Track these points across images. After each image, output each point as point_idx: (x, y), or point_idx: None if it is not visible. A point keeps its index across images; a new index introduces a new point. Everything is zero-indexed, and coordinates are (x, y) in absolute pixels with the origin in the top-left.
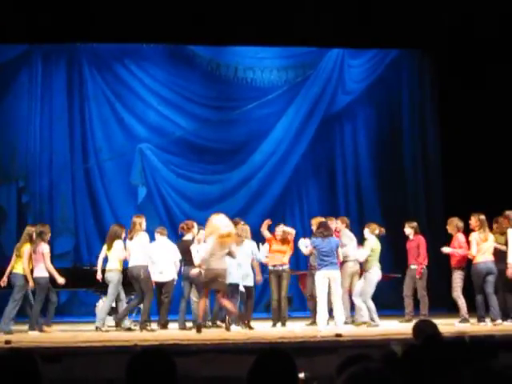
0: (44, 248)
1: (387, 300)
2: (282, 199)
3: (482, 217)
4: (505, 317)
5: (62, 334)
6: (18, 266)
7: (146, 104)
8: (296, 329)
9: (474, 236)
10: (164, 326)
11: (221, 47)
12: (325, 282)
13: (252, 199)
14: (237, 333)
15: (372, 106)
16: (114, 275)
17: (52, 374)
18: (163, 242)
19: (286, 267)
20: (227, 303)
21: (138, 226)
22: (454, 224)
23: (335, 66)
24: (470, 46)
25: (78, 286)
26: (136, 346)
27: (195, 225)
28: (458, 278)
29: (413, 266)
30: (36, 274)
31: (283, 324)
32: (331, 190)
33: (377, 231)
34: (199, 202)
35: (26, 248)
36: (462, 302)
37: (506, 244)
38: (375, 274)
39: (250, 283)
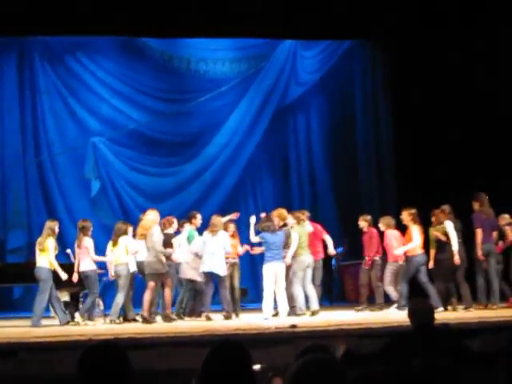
0: (88, 242)
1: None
2: (236, 191)
3: (414, 211)
4: (446, 303)
5: (16, 329)
6: (42, 260)
7: (99, 97)
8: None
9: (415, 228)
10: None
11: (173, 39)
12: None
13: (206, 191)
14: (192, 325)
15: (325, 97)
16: (122, 268)
17: (6, 369)
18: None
19: (237, 259)
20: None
21: None
22: (386, 222)
23: (288, 57)
24: (421, 35)
25: (32, 280)
26: (91, 341)
27: (175, 220)
28: (390, 271)
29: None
30: (83, 268)
31: (237, 315)
32: (285, 180)
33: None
34: (153, 194)
35: (50, 241)
36: (394, 292)
37: (444, 235)
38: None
39: (223, 272)
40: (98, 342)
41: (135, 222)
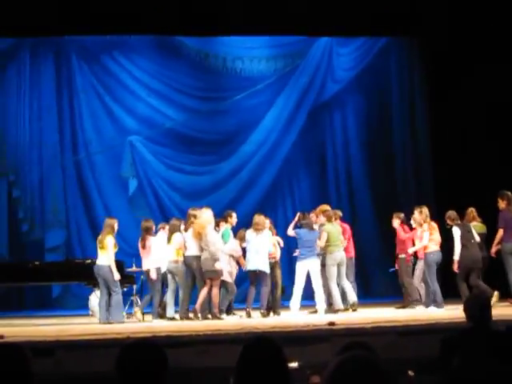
0: (152, 241)
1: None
2: (272, 189)
3: (425, 209)
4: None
5: (54, 327)
6: (102, 258)
7: (135, 96)
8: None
9: (425, 227)
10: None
11: (209, 37)
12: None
13: (243, 190)
14: (230, 322)
15: (361, 94)
16: (178, 266)
17: (44, 368)
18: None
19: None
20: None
21: (193, 218)
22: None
23: (324, 54)
24: (459, 33)
25: (71, 279)
26: (128, 339)
27: None
28: (419, 269)
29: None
30: (146, 266)
31: (278, 313)
32: (322, 178)
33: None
34: (190, 193)
35: (109, 239)
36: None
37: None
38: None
39: (267, 270)
40: (135, 340)
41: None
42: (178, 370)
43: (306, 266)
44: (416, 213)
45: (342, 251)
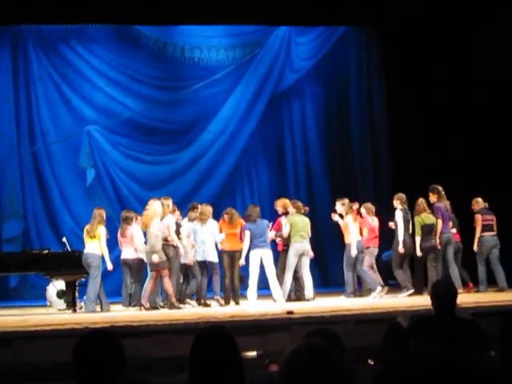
0: (133, 231)
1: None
2: (231, 178)
3: (347, 201)
4: None
5: (12, 318)
6: (92, 247)
7: (93, 85)
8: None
9: (348, 218)
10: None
11: (167, 26)
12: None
13: (202, 179)
14: (188, 312)
15: (320, 84)
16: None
17: (3, 358)
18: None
19: (240, 248)
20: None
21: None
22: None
23: (282, 43)
24: (416, 22)
25: (29, 269)
26: (86, 329)
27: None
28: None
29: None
30: (126, 255)
31: (237, 303)
32: (281, 167)
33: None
34: (149, 182)
35: (101, 229)
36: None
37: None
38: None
39: (214, 259)
40: (92, 330)
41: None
42: (136, 360)
43: (258, 256)
44: (338, 204)
45: (305, 242)
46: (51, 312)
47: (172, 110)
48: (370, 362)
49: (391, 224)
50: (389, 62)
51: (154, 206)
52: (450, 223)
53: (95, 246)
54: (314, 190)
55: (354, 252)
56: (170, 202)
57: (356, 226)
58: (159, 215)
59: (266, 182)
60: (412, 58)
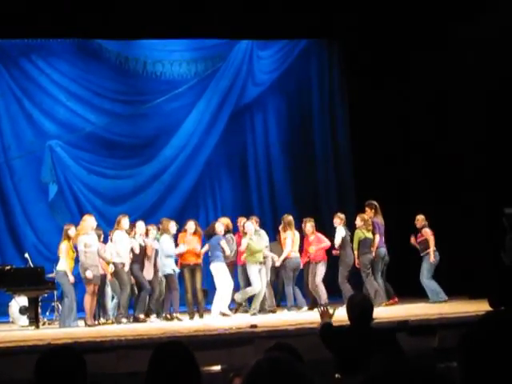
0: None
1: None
2: (194, 193)
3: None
4: None
5: None
6: (60, 264)
7: (55, 100)
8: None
9: (289, 234)
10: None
11: (129, 41)
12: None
13: (164, 193)
14: (152, 327)
15: (283, 97)
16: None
17: None
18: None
19: (200, 261)
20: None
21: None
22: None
23: (244, 57)
24: (378, 34)
25: None
26: (49, 345)
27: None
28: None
29: None
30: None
31: (201, 316)
32: (244, 181)
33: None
34: (111, 197)
35: (64, 245)
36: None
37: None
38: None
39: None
40: (54, 346)
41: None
42: (100, 375)
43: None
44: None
45: (261, 264)
46: (14, 328)
47: (134, 124)
48: (337, 375)
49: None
50: (350, 74)
51: (85, 221)
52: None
53: (61, 263)
54: (277, 203)
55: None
56: (124, 219)
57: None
58: (89, 231)
59: (229, 196)
60: (373, 70)
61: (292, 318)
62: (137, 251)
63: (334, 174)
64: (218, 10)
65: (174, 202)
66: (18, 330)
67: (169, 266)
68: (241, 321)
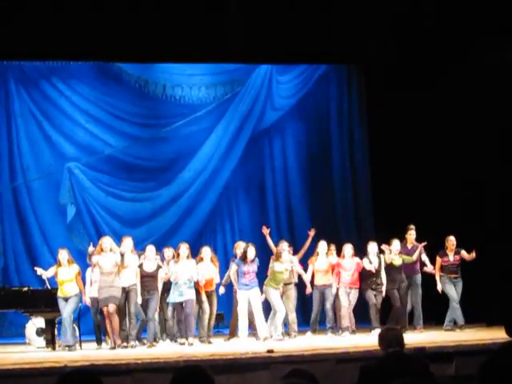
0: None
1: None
2: (212, 216)
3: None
4: None
5: None
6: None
7: (74, 122)
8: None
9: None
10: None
11: (149, 64)
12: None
13: (182, 217)
14: (168, 351)
15: (301, 121)
16: None
17: None
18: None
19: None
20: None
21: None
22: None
23: (264, 82)
24: (397, 58)
25: (8, 307)
26: (66, 367)
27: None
28: None
29: None
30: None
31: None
32: (262, 205)
33: None
34: (129, 220)
35: (51, 269)
36: None
37: None
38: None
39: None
40: (72, 368)
41: None
42: None
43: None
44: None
45: None
46: (30, 350)
47: (153, 147)
48: None
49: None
50: (370, 100)
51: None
52: None
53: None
54: (295, 229)
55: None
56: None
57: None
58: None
59: (247, 220)
60: (393, 96)
61: (308, 344)
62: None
63: (352, 200)
64: (237, 35)
65: (191, 225)
66: (34, 351)
67: None
68: (258, 345)
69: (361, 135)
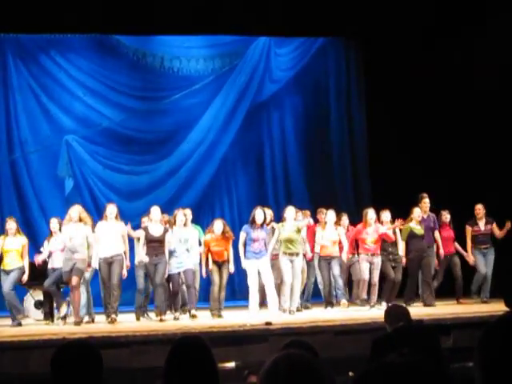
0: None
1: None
2: (210, 188)
3: None
4: None
5: None
6: None
7: (72, 95)
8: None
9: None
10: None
11: (147, 37)
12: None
13: (181, 189)
14: (167, 323)
15: (299, 95)
16: None
17: None
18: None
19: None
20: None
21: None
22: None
23: (262, 54)
24: (396, 32)
25: None
26: (64, 340)
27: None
28: None
29: None
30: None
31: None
32: (260, 177)
33: None
34: (127, 192)
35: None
36: None
37: None
38: None
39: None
40: (70, 340)
41: None
42: (114, 371)
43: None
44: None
45: None
46: (28, 322)
47: (151, 120)
48: (351, 374)
49: None
50: (367, 73)
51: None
52: None
53: None
54: (293, 200)
55: None
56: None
57: None
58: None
59: (245, 192)
60: (390, 69)
61: (306, 316)
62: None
63: (350, 171)
64: (235, 7)
65: (189, 197)
66: (32, 324)
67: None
68: (256, 318)
69: (359, 108)
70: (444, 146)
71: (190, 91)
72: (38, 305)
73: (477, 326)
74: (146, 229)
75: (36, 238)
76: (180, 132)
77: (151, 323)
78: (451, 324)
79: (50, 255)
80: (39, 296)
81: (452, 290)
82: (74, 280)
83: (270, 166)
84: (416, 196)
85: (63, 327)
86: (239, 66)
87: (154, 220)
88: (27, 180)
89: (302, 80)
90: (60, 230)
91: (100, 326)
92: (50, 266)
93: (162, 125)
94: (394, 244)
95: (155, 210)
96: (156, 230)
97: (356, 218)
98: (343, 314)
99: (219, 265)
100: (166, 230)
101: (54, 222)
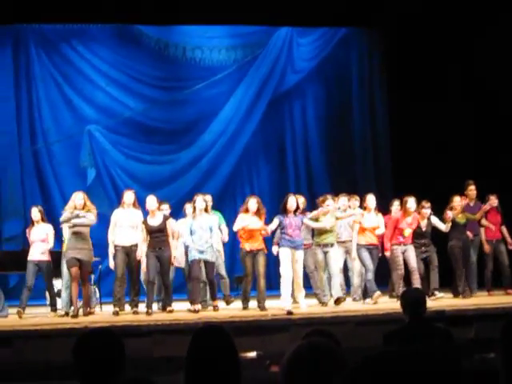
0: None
1: None
2: (232, 178)
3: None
4: None
5: (12, 317)
6: None
7: (94, 85)
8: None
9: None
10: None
11: (169, 26)
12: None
13: (202, 179)
14: (188, 313)
15: (321, 85)
16: None
17: (3, 357)
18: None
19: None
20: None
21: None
22: None
23: (284, 44)
24: (418, 23)
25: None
26: (86, 328)
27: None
28: None
29: None
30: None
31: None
32: (281, 167)
33: None
34: (149, 182)
35: None
36: None
37: None
38: None
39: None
40: (93, 328)
41: None
42: (136, 360)
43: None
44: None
45: None
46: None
47: (173, 110)
48: None
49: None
50: (390, 63)
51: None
52: None
53: None
54: (314, 190)
55: None
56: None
57: None
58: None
59: (267, 183)
60: (414, 59)
61: (327, 307)
62: None
63: (372, 162)
64: None
65: (211, 188)
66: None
67: None
68: (278, 308)
69: (380, 98)
70: (467, 133)
71: (211, 81)
72: (60, 294)
73: (500, 317)
74: (145, 221)
75: (57, 227)
76: (202, 122)
77: (174, 313)
78: (473, 315)
79: (30, 245)
80: (60, 285)
81: (499, 280)
82: (74, 271)
83: (291, 156)
84: (439, 184)
85: (85, 318)
86: (261, 56)
87: (150, 210)
88: (50, 170)
89: (324, 70)
90: (42, 219)
91: (122, 314)
92: (29, 257)
93: (184, 115)
94: (425, 234)
95: (150, 200)
96: (155, 220)
97: (378, 206)
98: (364, 304)
99: (255, 253)
100: (166, 218)
101: (35, 211)
